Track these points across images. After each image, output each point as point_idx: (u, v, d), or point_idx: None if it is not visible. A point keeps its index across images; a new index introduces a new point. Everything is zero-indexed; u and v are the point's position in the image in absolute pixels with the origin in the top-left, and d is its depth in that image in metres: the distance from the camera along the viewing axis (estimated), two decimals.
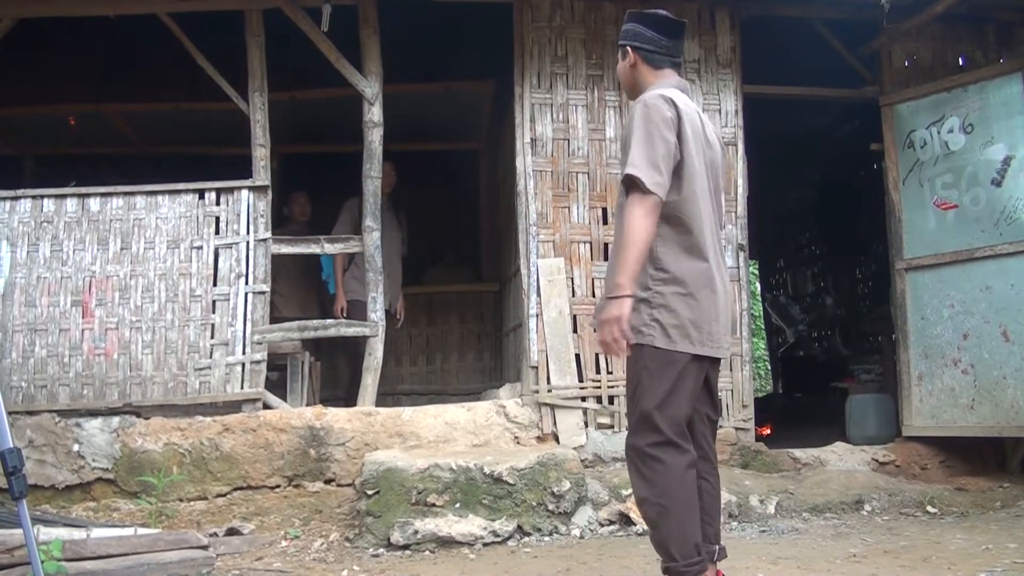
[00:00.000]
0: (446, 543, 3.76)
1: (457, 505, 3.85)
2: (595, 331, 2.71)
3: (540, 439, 4.72)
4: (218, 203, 4.83)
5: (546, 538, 3.86)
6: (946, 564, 3.25)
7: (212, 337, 4.71)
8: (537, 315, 4.84)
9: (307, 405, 4.91)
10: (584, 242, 4.93)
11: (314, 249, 5.00)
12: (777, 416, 7.03)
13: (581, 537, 3.90)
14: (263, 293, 4.78)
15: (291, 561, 3.63)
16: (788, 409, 7.90)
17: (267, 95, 4.92)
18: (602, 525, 4.06)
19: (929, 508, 4.36)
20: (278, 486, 4.47)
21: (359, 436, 4.54)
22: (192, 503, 4.36)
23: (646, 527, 3.85)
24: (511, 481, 3.90)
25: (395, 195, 5.86)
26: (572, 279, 4.90)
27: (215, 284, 4.75)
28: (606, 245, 4.84)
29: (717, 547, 2.63)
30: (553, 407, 4.77)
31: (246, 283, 4.76)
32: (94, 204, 4.82)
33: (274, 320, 4.99)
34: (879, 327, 6.52)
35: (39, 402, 4.60)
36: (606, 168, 4.98)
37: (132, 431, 4.49)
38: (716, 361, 2.66)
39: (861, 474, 4.76)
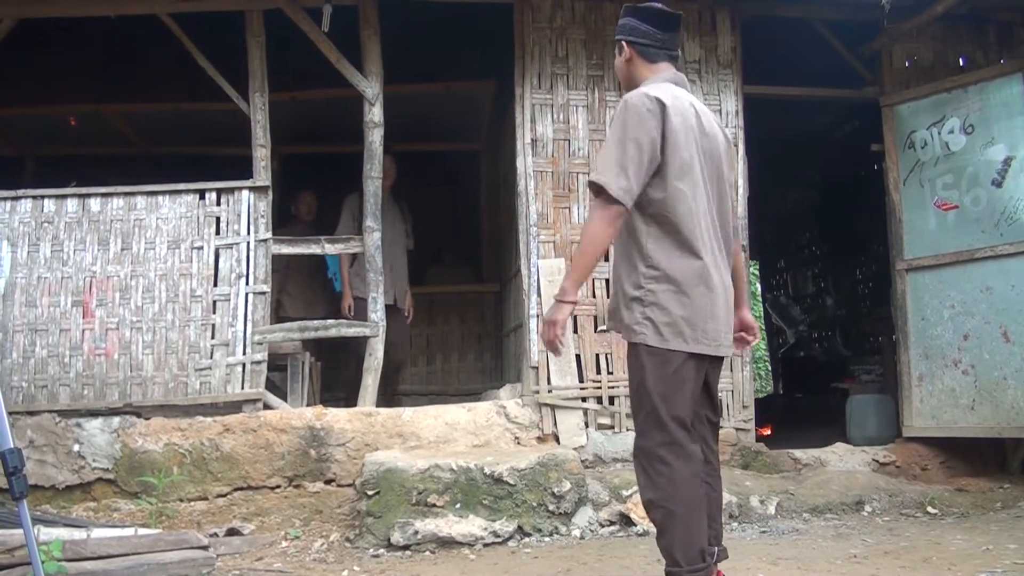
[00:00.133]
0: (446, 543, 3.76)
1: (457, 505, 3.85)
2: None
3: (540, 439, 4.72)
4: (219, 203, 4.83)
5: (546, 539, 3.86)
6: (946, 565, 3.25)
7: (212, 337, 4.71)
8: (538, 315, 4.84)
9: (307, 405, 4.91)
10: None
11: (314, 249, 5.00)
12: (777, 417, 7.03)
13: (581, 538, 3.90)
14: (264, 293, 4.78)
15: (291, 561, 3.63)
16: (788, 410, 7.89)
17: (268, 95, 4.92)
18: (603, 526, 4.06)
19: (929, 509, 4.36)
20: (278, 486, 4.47)
21: (359, 436, 4.54)
22: (192, 503, 4.36)
23: (648, 528, 3.88)
24: (511, 481, 3.90)
25: (396, 189, 5.83)
26: None
27: (216, 284, 4.75)
28: None
29: (717, 548, 2.63)
30: (553, 407, 4.77)
31: (246, 283, 4.76)
32: (95, 204, 4.82)
33: (280, 319, 4.99)
34: (879, 328, 6.51)
35: (39, 402, 4.60)
36: None
37: (132, 431, 4.49)
38: (717, 360, 2.63)
39: (861, 475, 4.76)
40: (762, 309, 11.02)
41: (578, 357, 4.83)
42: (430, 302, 7.00)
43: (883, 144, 5.28)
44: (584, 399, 4.79)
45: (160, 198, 4.83)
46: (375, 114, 4.91)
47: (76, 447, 4.46)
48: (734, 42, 5.18)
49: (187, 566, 3.23)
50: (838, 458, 4.92)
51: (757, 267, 11.02)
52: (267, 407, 4.69)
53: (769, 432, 6.18)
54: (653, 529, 2.61)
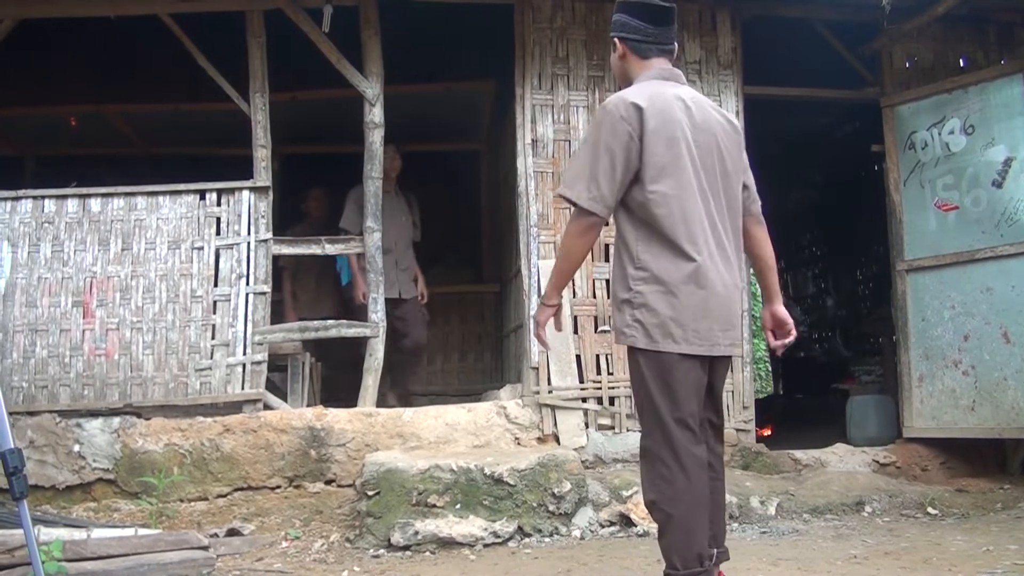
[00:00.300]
0: (446, 544, 3.76)
1: (458, 506, 3.85)
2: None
3: (541, 440, 4.72)
4: (219, 204, 4.84)
5: (547, 539, 3.86)
6: (947, 565, 3.25)
7: (213, 338, 4.71)
8: None
9: (308, 406, 4.91)
10: None
11: (315, 250, 5.00)
12: (778, 417, 7.04)
13: (582, 538, 3.90)
14: (264, 294, 4.78)
15: (291, 562, 3.63)
16: (789, 410, 7.90)
17: (268, 95, 4.92)
18: (603, 526, 4.06)
19: (930, 509, 4.36)
20: (279, 487, 4.47)
21: (360, 437, 4.54)
22: (193, 504, 4.36)
23: (649, 528, 3.88)
24: (512, 482, 3.90)
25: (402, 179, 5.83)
26: (573, 280, 4.89)
27: (216, 285, 4.75)
28: (607, 246, 4.83)
29: (717, 551, 2.61)
30: (554, 408, 4.77)
31: (247, 284, 4.76)
32: (95, 205, 4.82)
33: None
34: (880, 328, 6.52)
35: (40, 402, 4.60)
36: None
37: (133, 431, 4.49)
38: (720, 361, 2.59)
39: (862, 475, 4.76)
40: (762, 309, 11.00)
41: (578, 358, 4.83)
42: (430, 302, 6.99)
43: (883, 145, 5.28)
44: (584, 400, 4.79)
45: (160, 198, 4.83)
46: (375, 114, 4.91)
47: (76, 447, 4.46)
48: (734, 42, 5.18)
49: (187, 566, 3.23)
50: (838, 459, 4.92)
51: None
52: (267, 407, 4.69)
53: (769, 433, 6.18)
54: (653, 529, 2.62)
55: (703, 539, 2.43)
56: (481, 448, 4.57)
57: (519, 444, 4.67)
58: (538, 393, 4.78)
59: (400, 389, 5.79)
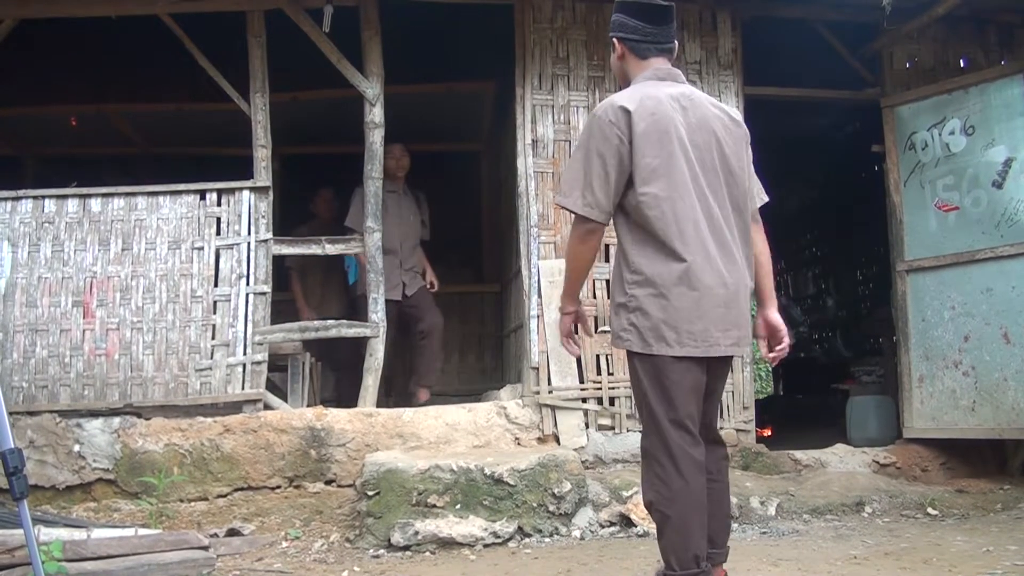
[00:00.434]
0: (447, 544, 3.76)
1: (458, 506, 3.85)
2: None
3: (541, 440, 4.72)
4: (219, 204, 4.84)
5: (547, 539, 3.86)
6: (947, 566, 3.25)
7: (213, 338, 4.71)
8: (538, 316, 4.84)
9: (308, 406, 4.91)
10: None
11: (315, 250, 5.00)
12: (778, 418, 7.03)
13: (582, 538, 3.90)
14: (264, 294, 4.78)
15: (291, 562, 3.63)
16: (789, 411, 7.90)
17: (268, 96, 4.92)
18: (603, 526, 4.06)
19: (930, 510, 4.36)
20: (279, 487, 4.47)
21: (360, 437, 4.54)
22: (193, 504, 4.36)
23: (648, 529, 3.88)
24: (512, 482, 3.90)
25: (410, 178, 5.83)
26: None
27: (216, 285, 4.75)
28: (607, 247, 4.83)
29: (718, 550, 2.62)
30: (554, 408, 4.77)
31: (247, 284, 4.76)
32: (95, 205, 4.82)
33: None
34: (880, 329, 6.52)
35: (40, 402, 4.60)
36: None
37: (133, 432, 4.49)
38: (719, 361, 2.56)
39: (862, 476, 4.76)
40: None
41: (578, 358, 4.83)
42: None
43: (883, 145, 5.28)
44: (584, 400, 4.79)
45: (161, 198, 4.83)
46: (376, 115, 4.91)
47: (76, 447, 4.46)
48: (735, 43, 5.18)
49: (187, 566, 3.23)
50: (838, 459, 4.92)
51: None
52: (267, 407, 4.69)
53: (769, 433, 6.18)
54: (653, 530, 2.62)
55: (700, 540, 2.42)
56: (481, 448, 4.57)
57: (519, 444, 4.67)
58: (538, 393, 4.78)
59: (427, 381, 5.70)
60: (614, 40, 2.70)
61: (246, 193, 4.84)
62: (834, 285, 9.29)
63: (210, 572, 3.30)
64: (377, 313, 4.89)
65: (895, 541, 3.76)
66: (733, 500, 4.23)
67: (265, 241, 4.81)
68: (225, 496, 4.42)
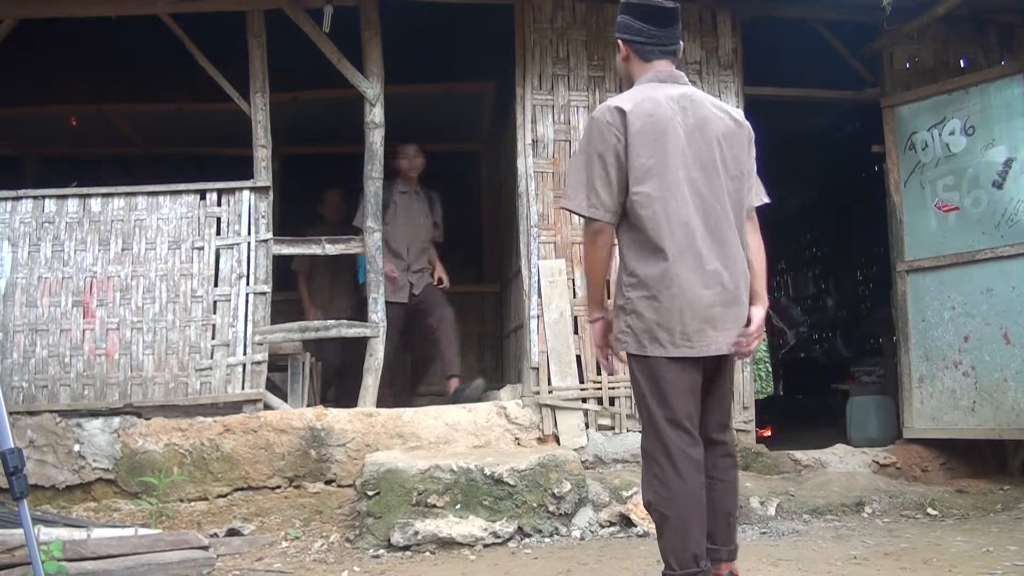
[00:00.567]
0: (447, 544, 3.76)
1: (458, 506, 3.85)
2: None
3: (541, 440, 4.72)
4: (219, 204, 4.83)
5: (547, 539, 3.86)
6: (947, 566, 3.25)
7: (213, 338, 4.71)
8: (538, 316, 4.84)
9: (308, 406, 4.91)
10: None
11: (315, 250, 5.00)
12: (778, 418, 7.03)
13: (581, 538, 3.90)
14: (264, 294, 4.78)
15: (291, 562, 3.63)
16: (789, 411, 7.89)
17: (268, 95, 4.92)
18: (603, 526, 4.06)
19: (930, 510, 4.36)
20: (279, 487, 4.47)
21: (360, 437, 4.54)
22: (193, 503, 4.36)
23: (648, 529, 3.88)
24: (512, 482, 3.90)
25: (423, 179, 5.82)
26: (573, 280, 4.90)
27: (216, 285, 4.75)
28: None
29: (722, 548, 2.62)
30: (554, 408, 4.77)
31: (247, 284, 4.76)
32: (95, 204, 4.82)
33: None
34: (880, 329, 6.51)
35: (40, 402, 4.60)
36: None
37: (133, 431, 4.49)
38: (719, 360, 2.56)
39: (862, 476, 4.76)
40: None
41: (578, 358, 4.83)
42: None
43: (884, 145, 5.28)
44: (584, 400, 4.79)
45: (161, 198, 4.83)
46: (376, 115, 4.91)
47: (76, 447, 4.46)
48: (735, 43, 5.17)
49: (187, 566, 3.23)
50: (838, 459, 4.92)
51: None
52: (267, 407, 4.69)
53: (769, 433, 6.18)
54: (653, 530, 2.62)
55: (699, 539, 2.43)
56: (481, 448, 4.57)
57: (519, 444, 4.67)
58: (538, 393, 4.78)
59: (453, 369, 5.62)
60: (619, 42, 2.71)
61: (246, 193, 4.84)
62: (834, 285, 9.29)
63: (210, 572, 3.30)
64: (377, 313, 4.88)
65: (895, 541, 3.76)
66: None
67: (265, 241, 4.81)
68: (225, 496, 4.42)
